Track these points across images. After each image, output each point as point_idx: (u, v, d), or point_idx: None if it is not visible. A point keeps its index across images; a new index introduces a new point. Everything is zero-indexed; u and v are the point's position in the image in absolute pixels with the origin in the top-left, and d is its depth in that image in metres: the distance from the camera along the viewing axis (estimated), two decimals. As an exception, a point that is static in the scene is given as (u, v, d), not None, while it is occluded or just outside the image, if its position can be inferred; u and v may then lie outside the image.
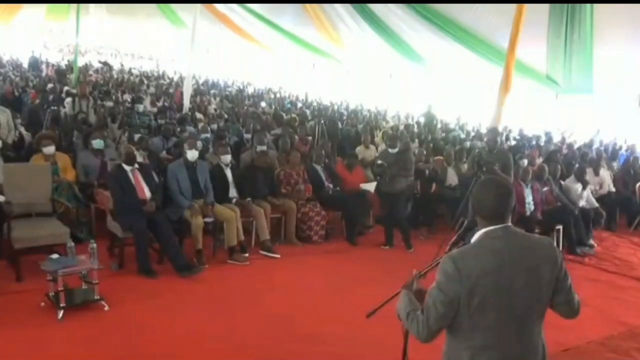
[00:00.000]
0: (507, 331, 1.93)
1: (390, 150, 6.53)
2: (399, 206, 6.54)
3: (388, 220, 6.63)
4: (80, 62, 18.37)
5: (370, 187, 6.95)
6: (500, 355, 1.93)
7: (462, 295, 1.88)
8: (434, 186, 7.44)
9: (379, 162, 6.54)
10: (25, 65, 20.34)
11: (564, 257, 2.06)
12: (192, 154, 5.72)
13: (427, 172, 7.57)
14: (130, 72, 21.12)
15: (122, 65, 23.89)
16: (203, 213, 5.52)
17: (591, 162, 8.54)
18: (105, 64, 22.02)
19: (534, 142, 11.74)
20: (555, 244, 2.13)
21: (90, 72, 19.84)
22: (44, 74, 17.96)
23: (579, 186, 7.39)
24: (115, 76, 19.04)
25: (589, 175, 8.16)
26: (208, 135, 8.22)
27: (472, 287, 1.87)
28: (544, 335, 2.04)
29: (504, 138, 10.91)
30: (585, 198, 7.48)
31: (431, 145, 9.93)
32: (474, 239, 2.01)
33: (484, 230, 1.98)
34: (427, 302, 1.96)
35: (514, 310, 1.92)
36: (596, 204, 7.58)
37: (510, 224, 2.00)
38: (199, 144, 6.82)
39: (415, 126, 12.90)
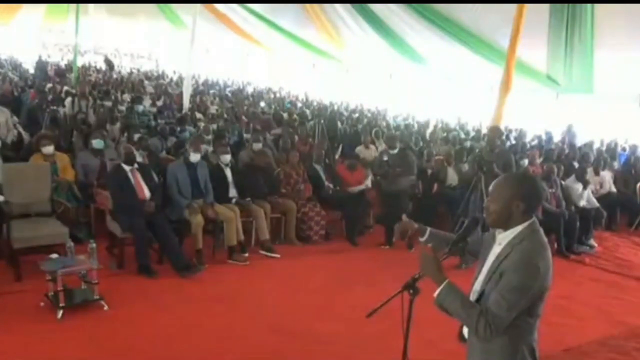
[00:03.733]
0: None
1: (390, 151, 6.50)
2: (400, 205, 6.49)
3: (389, 219, 6.60)
4: (80, 62, 18.32)
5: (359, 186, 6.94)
6: (537, 343, 2.00)
7: (541, 291, 1.92)
8: (435, 186, 7.41)
9: (385, 160, 6.49)
10: (25, 65, 20.28)
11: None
12: (195, 157, 5.70)
13: (429, 171, 7.53)
14: (123, 71, 21.04)
15: (120, 67, 23.79)
16: (204, 213, 5.50)
17: (591, 161, 8.51)
18: (108, 63, 21.51)
19: (534, 142, 11.72)
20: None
21: (90, 71, 19.79)
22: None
23: (579, 186, 7.39)
24: (114, 76, 19.00)
25: (589, 175, 8.17)
26: (210, 137, 8.20)
27: (546, 282, 1.92)
28: None
29: (504, 137, 10.87)
30: (586, 198, 7.46)
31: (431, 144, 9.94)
32: (515, 233, 1.99)
33: (529, 222, 1.99)
34: (508, 301, 1.89)
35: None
36: (597, 204, 7.57)
37: None
38: (205, 147, 6.82)
39: (416, 125, 12.91)
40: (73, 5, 14.75)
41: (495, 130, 6.36)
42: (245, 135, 8.75)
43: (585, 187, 7.44)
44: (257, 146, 7.06)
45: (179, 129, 8.69)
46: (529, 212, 1.99)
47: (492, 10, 8.29)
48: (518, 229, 1.98)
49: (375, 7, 10.56)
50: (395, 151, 6.48)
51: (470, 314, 1.91)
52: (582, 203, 7.35)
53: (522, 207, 1.97)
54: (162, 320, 4.18)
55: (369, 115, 14.57)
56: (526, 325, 1.97)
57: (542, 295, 1.95)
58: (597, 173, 8.33)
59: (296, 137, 8.76)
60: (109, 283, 4.51)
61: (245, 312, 4.45)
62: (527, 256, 1.92)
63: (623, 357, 4.16)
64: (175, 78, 20.33)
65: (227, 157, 6.16)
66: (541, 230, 2.00)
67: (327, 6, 11.66)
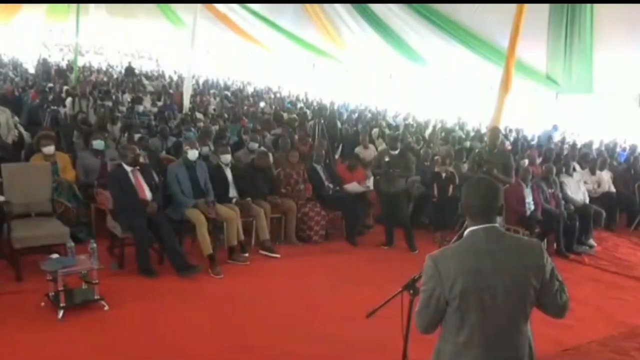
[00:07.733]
0: (491, 331, 1.94)
1: (391, 151, 6.48)
2: (399, 206, 6.49)
3: (388, 220, 6.61)
4: (80, 62, 18.35)
5: (359, 187, 6.92)
6: (485, 354, 1.94)
7: (445, 294, 1.92)
8: (451, 189, 7.18)
9: (386, 160, 6.44)
10: (25, 65, 20.28)
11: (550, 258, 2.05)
12: (192, 154, 5.71)
13: (443, 175, 7.37)
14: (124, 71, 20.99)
15: (121, 67, 23.76)
16: (204, 213, 5.49)
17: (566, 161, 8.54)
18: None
19: (534, 142, 11.75)
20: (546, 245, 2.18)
21: (89, 71, 19.80)
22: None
23: (570, 179, 7.45)
24: (115, 76, 19.02)
25: (586, 175, 8.19)
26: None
27: (452, 286, 1.90)
28: (532, 334, 2.04)
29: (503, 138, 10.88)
30: (583, 190, 7.55)
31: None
32: (465, 235, 2.05)
33: (469, 229, 2.02)
34: (419, 299, 2.03)
35: (498, 311, 1.92)
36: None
37: (496, 224, 2.00)
38: (206, 148, 6.84)
39: (415, 125, 12.92)
40: (73, 5, 14.77)
41: (494, 131, 6.37)
42: (244, 136, 8.76)
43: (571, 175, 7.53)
44: (254, 146, 7.06)
45: (183, 128, 8.70)
46: (468, 215, 2.04)
47: (492, 10, 8.30)
48: (466, 231, 2.03)
49: (375, 7, 10.57)
50: (396, 152, 6.47)
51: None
52: (582, 196, 7.40)
53: (461, 211, 2.08)
54: (162, 320, 4.19)
55: (369, 115, 14.58)
56: (448, 337, 1.99)
57: (448, 303, 1.93)
58: (593, 172, 8.34)
59: (296, 137, 8.77)
60: (110, 283, 4.51)
61: (245, 312, 4.46)
62: (430, 257, 1.98)
63: (623, 357, 4.17)
64: (175, 78, 20.33)
65: (227, 157, 6.17)
66: (477, 241, 1.97)
67: (327, 6, 11.66)
